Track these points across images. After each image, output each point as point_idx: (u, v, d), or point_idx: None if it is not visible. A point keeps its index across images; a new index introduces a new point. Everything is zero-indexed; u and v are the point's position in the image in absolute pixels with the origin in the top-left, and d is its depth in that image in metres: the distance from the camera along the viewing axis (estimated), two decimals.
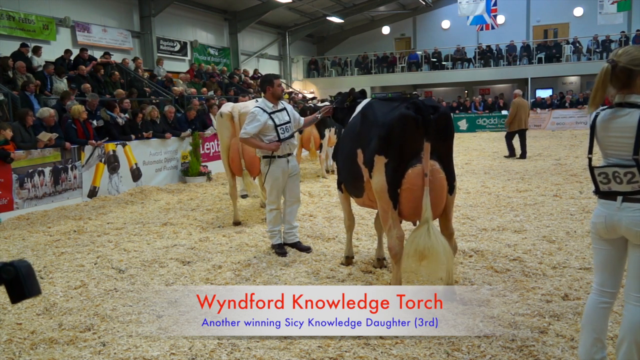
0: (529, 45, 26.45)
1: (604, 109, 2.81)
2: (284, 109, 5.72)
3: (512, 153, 14.11)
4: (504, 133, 14.96)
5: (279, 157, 5.62)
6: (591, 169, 2.84)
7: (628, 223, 2.71)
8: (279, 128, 5.56)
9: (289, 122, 5.68)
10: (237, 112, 7.12)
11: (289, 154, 5.73)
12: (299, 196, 6.06)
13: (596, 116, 2.83)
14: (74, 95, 10.77)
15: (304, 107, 13.62)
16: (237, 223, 7.44)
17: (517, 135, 14.07)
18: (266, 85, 5.67)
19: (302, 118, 6.02)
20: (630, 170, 2.67)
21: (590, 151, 2.90)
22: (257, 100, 8.08)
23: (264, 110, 5.55)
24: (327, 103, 5.78)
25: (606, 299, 2.91)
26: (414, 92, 22.41)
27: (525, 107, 14.15)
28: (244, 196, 9.08)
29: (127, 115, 11.13)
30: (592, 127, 2.84)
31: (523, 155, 13.92)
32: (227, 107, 7.35)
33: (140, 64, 15.85)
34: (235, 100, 14.77)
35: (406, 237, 4.29)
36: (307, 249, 5.86)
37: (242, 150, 7.16)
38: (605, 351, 2.92)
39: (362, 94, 5.43)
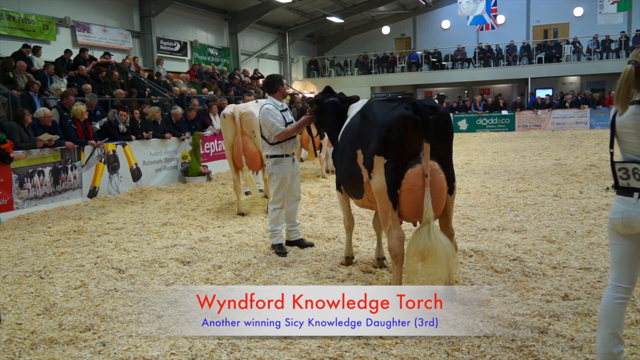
0: (529, 45, 26.44)
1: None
2: (287, 109, 5.87)
3: None
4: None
5: (286, 156, 5.69)
6: (612, 163, 2.83)
7: None
8: (288, 126, 5.68)
9: (292, 121, 5.80)
10: (238, 112, 7.73)
11: (294, 153, 5.82)
12: (300, 195, 6.17)
13: (616, 112, 2.82)
14: (72, 95, 10.73)
15: (303, 106, 13.62)
16: (241, 214, 8.01)
17: None
18: (278, 85, 5.78)
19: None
20: None
21: (612, 145, 2.88)
22: (257, 101, 8.33)
23: (276, 107, 5.67)
24: None
25: (621, 295, 2.90)
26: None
27: None
28: (247, 192, 9.57)
29: (128, 123, 11.07)
30: (612, 123, 2.83)
31: None
32: (229, 108, 7.97)
33: (133, 60, 15.80)
34: (237, 100, 14.89)
35: (406, 238, 4.29)
36: (311, 245, 6.03)
37: (244, 147, 7.80)
38: (622, 346, 2.92)
39: (330, 92, 5.51)
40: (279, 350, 3.53)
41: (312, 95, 25.01)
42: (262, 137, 5.77)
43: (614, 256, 2.93)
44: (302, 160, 13.86)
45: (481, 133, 22.91)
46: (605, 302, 2.94)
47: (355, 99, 5.42)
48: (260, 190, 9.49)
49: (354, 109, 4.92)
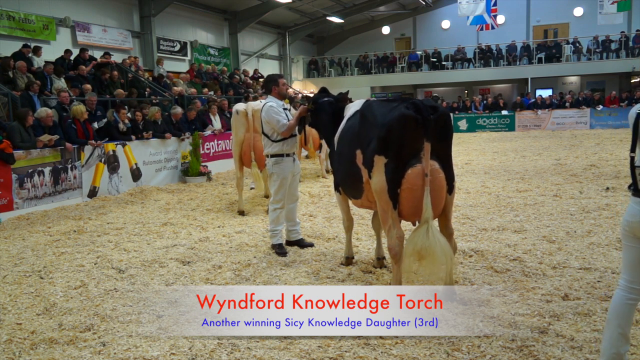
0: (529, 45, 26.45)
1: None
2: (287, 108, 5.91)
3: None
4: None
5: (287, 155, 5.71)
6: (632, 167, 2.80)
7: None
8: (290, 121, 5.70)
9: None
10: (251, 109, 7.90)
11: (294, 153, 5.85)
12: (298, 195, 6.21)
13: (638, 113, 2.78)
14: (66, 91, 10.70)
15: (301, 104, 13.61)
16: (241, 212, 8.06)
17: None
18: (271, 85, 5.81)
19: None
20: None
21: (633, 149, 2.83)
22: (260, 101, 8.40)
23: (278, 106, 5.70)
24: None
25: (634, 296, 2.91)
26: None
27: None
28: (252, 188, 9.81)
29: (128, 124, 11.08)
30: (636, 125, 2.79)
31: None
32: (242, 105, 8.14)
33: (134, 61, 15.80)
34: (237, 101, 14.89)
35: (406, 237, 4.29)
36: (311, 245, 6.04)
37: (254, 144, 7.90)
38: (628, 345, 2.93)
39: (325, 93, 5.52)
40: (279, 350, 3.53)
41: (312, 95, 25.02)
42: (265, 134, 5.76)
43: (629, 258, 2.92)
44: (307, 157, 13.83)
45: (481, 133, 22.90)
46: (616, 302, 2.94)
47: (345, 95, 5.43)
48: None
49: (351, 109, 4.90)
